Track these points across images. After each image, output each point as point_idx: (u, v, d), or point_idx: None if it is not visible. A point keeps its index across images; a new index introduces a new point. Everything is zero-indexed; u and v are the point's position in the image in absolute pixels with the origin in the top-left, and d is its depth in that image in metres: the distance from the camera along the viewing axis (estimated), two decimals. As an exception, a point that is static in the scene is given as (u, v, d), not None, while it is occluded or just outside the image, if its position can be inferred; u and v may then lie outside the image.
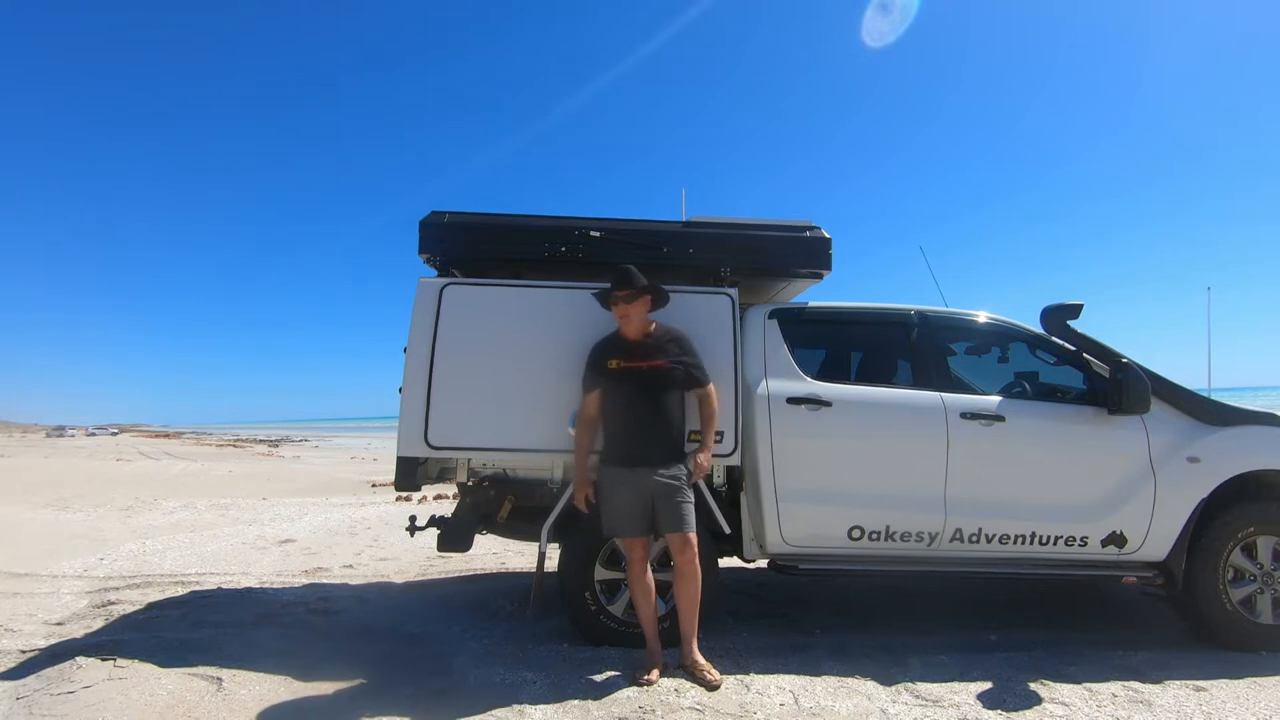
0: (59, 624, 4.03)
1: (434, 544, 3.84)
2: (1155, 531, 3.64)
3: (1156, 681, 3.21)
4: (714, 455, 3.43)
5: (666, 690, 2.98)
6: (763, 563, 3.83)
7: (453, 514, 3.83)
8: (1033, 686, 3.13)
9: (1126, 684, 3.18)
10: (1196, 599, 3.63)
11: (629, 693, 2.96)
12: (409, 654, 3.54)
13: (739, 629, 3.92)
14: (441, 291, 3.65)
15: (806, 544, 3.65)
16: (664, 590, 3.43)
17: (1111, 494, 3.66)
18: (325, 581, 5.16)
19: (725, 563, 3.84)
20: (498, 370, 3.60)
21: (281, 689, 3.04)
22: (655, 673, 3.09)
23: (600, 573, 3.54)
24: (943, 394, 3.73)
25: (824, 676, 3.21)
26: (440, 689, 3.05)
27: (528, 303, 3.71)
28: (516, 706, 2.84)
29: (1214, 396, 3.90)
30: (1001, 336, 4.09)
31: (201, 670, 3.19)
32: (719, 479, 3.74)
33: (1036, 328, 3.91)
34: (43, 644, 3.64)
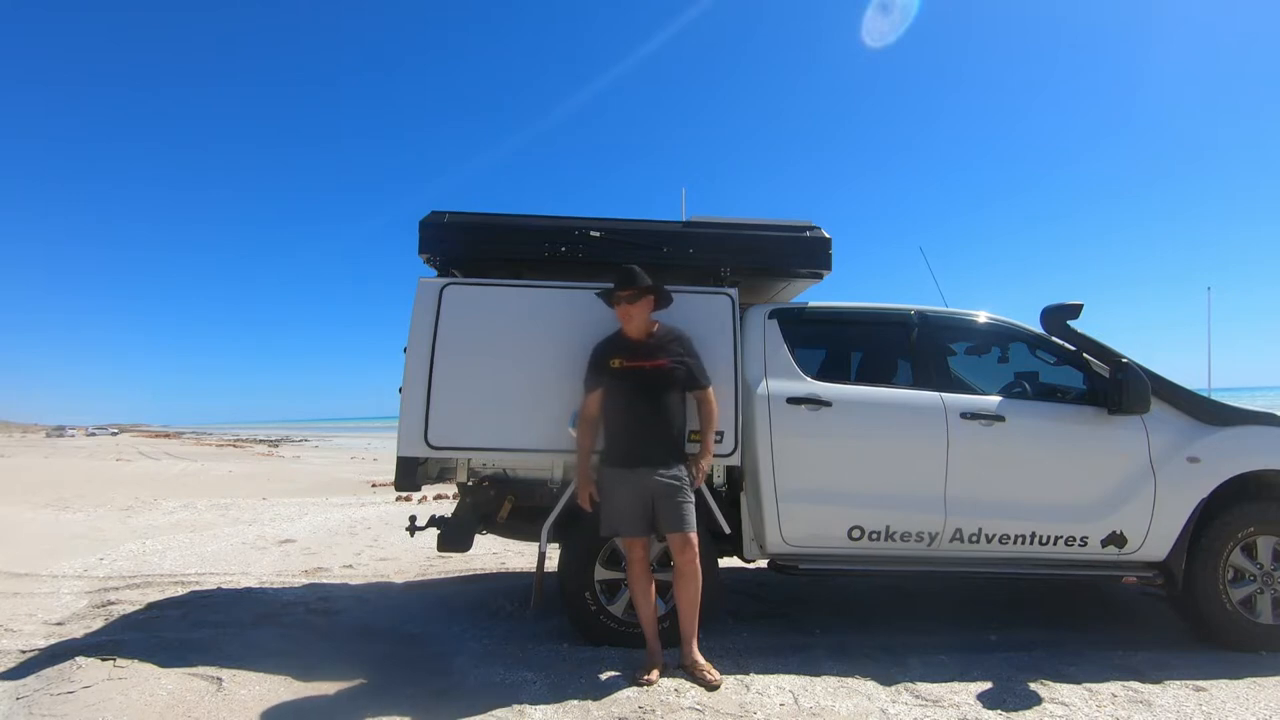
0: (59, 624, 4.03)
1: (434, 544, 3.84)
2: (1155, 531, 3.64)
3: (1156, 681, 3.21)
4: (714, 455, 3.43)
5: (666, 690, 2.98)
6: (763, 563, 3.83)
7: (453, 514, 3.83)
8: (1033, 686, 3.13)
9: (1126, 684, 3.18)
10: (1196, 599, 3.63)
11: (629, 693, 2.96)
12: (409, 654, 3.54)
13: (739, 629, 3.92)
14: (441, 291, 3.65)
15: (806, 544, 3.65)
16: (664, 590, 3.43)
17: (1111, 494, 3.66)
18: (325, 581, 5.16)
19: (725, 563, 3.85)
20: (498, 370, 3.60)
21: (281, 689, 3.04)
22: (655, 673, 3.09)
23: (600, 573, 3.54)
24: (943, 394, 3.73)
25: (824, 676, 3.21)
26: (440, 689, 3.05)
27: (528, 303, 3.72)
28: (516, 706, 2.84)
29: (1214, 396, 3.90)
30: (1001, 336, 4.10)
31: (201, 670, 3.19)
32: (719, 479, 3.73)
33: (1036, 328, 3.91)
34: (43, 644, 3.64)
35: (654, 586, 3.32)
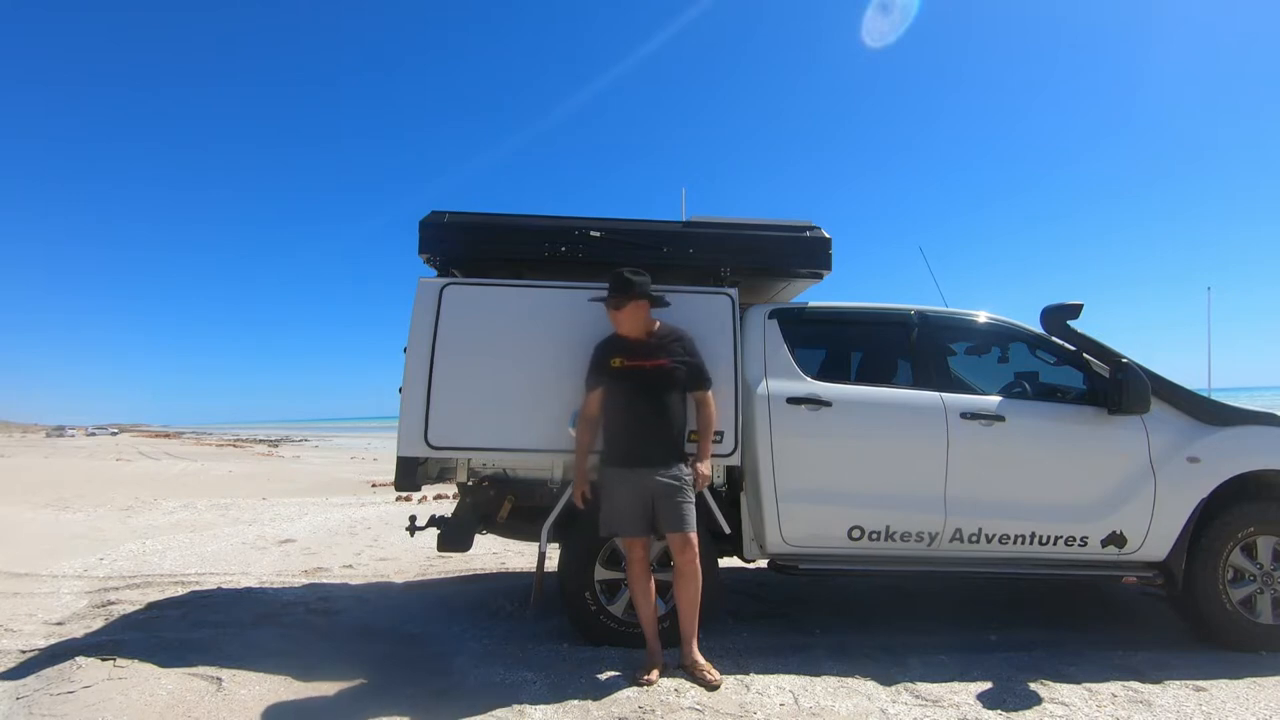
0: (59, 624, 4.03)
1: (434, 544, 3.84)
2: (1155, 531, 3.64)
3: (1156, 681, 3.21)
4: (714, 455, 3.43)
5: (666, 690, 2.98)
6: (763, 563, 3.83)
7: (453, 514, 3.83)
8: (1033, 686, 3.13)
9: (1126, 684, 3.19)
10: (1196, 599, 3.64)
11: (629, 693, 2.96)
12: (409, 654, 3.54)
13: (739, 629, 3.92)
14: (441, 291, 3.65)
15: (806, 544, 3.65)
16: (664, 590, 3.43)
17: (1111, 494, 3.66)
18: (325, 581, 5.16)
19: (725, 563, 3.85)
20: (498, 370, 3.60)
21: (281, 689, 3.04)
22: (655, 673, 3.09)
23: (600, 573, 3.54)
24: (943, 394, 3.73)
25: (824, 676, 3.21)
26: (440, 689, 3.05)
27: (528, 303, 3.72)
28: (516, 706, 2.84)
29: (1214, 396, 3.90)
30: (1001, 336, 4.10)
31: (201, 670, 3.19)
32: (719, 479, 3.73)
33: (1036, 328, 3.92)
34: (43, 644, 3.64)
35: (654, 586, 3.32)
